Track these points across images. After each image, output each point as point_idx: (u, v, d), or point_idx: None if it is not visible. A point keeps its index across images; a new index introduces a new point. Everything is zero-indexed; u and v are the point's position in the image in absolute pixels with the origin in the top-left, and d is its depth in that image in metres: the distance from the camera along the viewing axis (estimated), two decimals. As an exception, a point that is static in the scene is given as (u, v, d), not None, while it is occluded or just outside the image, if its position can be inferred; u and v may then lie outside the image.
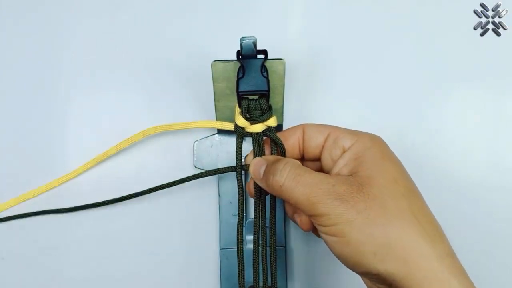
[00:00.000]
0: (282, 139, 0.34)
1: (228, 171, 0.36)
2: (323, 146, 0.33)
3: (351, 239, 0.27)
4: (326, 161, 0.33)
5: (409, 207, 0.28)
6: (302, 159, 0.35)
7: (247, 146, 0.36)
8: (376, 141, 0.31)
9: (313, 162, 0.35)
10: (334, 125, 0.33)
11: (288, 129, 0.35)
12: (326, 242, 0.29)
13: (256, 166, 0.33)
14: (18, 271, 0.40)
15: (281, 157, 0.33)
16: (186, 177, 0.37)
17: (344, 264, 0.29)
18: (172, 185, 0.37)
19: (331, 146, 0.32)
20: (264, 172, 0.32)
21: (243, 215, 0.35)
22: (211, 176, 0.40)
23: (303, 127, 0.34)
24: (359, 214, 0.27)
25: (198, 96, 0.41)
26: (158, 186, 0.37)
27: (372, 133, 0.32)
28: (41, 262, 0.40)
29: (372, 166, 0.29)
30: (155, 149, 0.41)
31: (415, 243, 0.27)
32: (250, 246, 0.38)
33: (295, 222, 0.34)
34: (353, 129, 0.33)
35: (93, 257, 0.40)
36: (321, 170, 0.34)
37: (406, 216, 0.28)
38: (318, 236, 0.32)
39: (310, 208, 0.29)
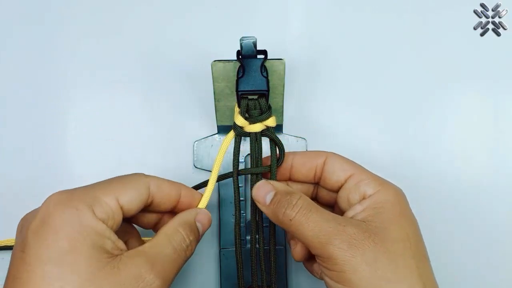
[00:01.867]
0: (301, 160, 0.33)
1: (226, 178, 0.35)
2: (342, 185, 0.32)
3: None
4: (343, 200, 0.32)
5: (417, 269, 0.28)
6: (316, 183, 0.35)
7: (247, 146, 0.36)
8: (398, 195, 0.31)
9: (327, 191, 0.34)
10: (358, 164, 0.32)
11: (310, 152, 0.34)
12: (328, 286, 0.29)
13: (262, 191, 0.32)
14: None
15: (292, 189, 0.32)
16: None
17: None
18: None
19: (351, 189, 0.31)
20: (272, 201, 0.31)
21: (239, 215, 0.35)
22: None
23: (326, 157, 0.33)
24: (368, 266, 0.27)
25: (198, 96, 0.41)
26: None
27: (396, 185, 0.31)
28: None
29: (388, 219, 0.29)
30: (155, 149, 0.41)
31: None
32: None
33: (290, 247, 0.34)
34: (377, 175, 0.32)
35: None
36: (334, 203, 0.33)
37: (414, 278, 0.27)
38: (311, 272, 0.32)
39: (318, 247, 0.28)
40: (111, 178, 0.30)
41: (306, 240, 0.29)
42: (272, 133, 0.34)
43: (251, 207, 0.35)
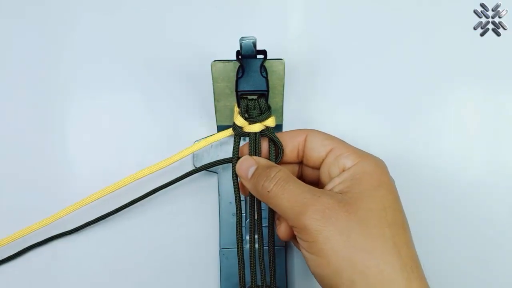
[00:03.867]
0: (281, 140, 0.34)
1: (224, 163, 0.36)
2: (323, 160, 0.32)
3: (331, 261, 0.27)
4: (324, 175, 0.32)
5: (392, 238, 0.27)
6: (300, 163, 0.35)
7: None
8: (377, 166, 0.31)
9: (312, 169, 0.34)
10: (338, 137, 0.33)
11: (290, 131, 0.34)
12: (305, 258, 0.29)
13: (245, 165, 0.32)
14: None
15: (273, 163, 0.33)
16: (184, 174, 0.37)
17: (320, 284, 0.29)
18: (171, 184, 0.37)
19: (331, 163, 0.31)
20: (253, 175, 0.31)
21: (241, 215, 0.35)
22: (211, 176, 0.40)
23: (307, 134, 0.33)
24: (340, 235, 0.27)
25: (198, 96, 0.41)
26: (156, 188, 0.38)
27: (376, 156, 0.31)
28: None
29: (365, 189, 0.29)
30: (155, 149, 0.41)
31: (393, 275, 0.26)
32: (250, 246, 0.38)
33: (275, 227, 0.34)
34: (356, 147, 0.32)
35: (93, 257, 0.40)
36: (318, 180, 0.34)
37: (388, 246, 0.27)
38: (298, 248, 0.32)
39: (293, 218, 0.29)
40: None
41: (283, 211, 0.29)
42: (272, 133, 0.34)
43: (250, 207, 0.35)
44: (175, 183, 0.37)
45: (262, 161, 0.33)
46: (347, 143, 0.32)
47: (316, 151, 0.32)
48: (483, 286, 0.40)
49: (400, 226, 0.29)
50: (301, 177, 0.36)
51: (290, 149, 0.34)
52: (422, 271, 0.28)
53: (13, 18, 0.42)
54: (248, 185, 0.32)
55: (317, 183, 0.34)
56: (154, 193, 0.38)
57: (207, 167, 0.37)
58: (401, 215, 0.30)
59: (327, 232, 0.27)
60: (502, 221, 0.40)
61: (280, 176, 0.30)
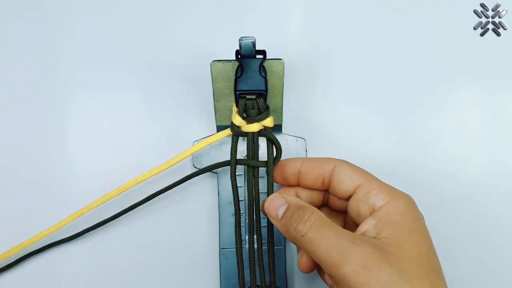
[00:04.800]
0: (309, 167, 0.33)
1: (223, 166, 0.35)
2: (351, 194, 0.31)
3: None
4: (353, 211, 0.31)
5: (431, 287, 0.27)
6: (326, 191, 0.34)
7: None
8: (408, 205, 0.30)
9: (338, 199, 0.33)
10: (366, 171, 0.32)
11: (318, 159, 0.33)
12: None
13: (274, 204, 0.31)
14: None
15: (305, 204, 0.31)
16: (184, 177, 0.37)
17: None
18: (172, 187, 0.37)
19: (360, 199, 0.30)
20: (284, 215, 0.30)
21: (239, 215, 0.35)
22: (211, 177, 0.40)
23: (335, 165, 0.32)
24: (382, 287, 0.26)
25: (197, 96, 0.41)
26: (157, 191, 0.37)
27: (405, 193, 0.31)
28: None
29: (401, 235, 0.28)
30: (155, 149, 0.41)
31: None
32: (249, 246, 0.38)
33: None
34: (385, 183, 0.31)
35: (94, 258, 0.40)
36: (344, 210, 0.33)
37: None
38: (323, 279, 0.31)
39: (331, 268, 0.27)
40: None
41: (319, 258, 0.28)
42: (270, 133, 0.34)
43: (248, 207, 0.35)
44: (175, 186, 0.37)
45: (294, 200, 0.31)
46: (376, 178, 0.31)
47: (344, 185, 0.31)
48: (483, 286, 0.40)
49: (436, 275, 0.28)
50: (326, 204, 0.35)
51: (316, 177, 0.33)
52: None
53: (13, 18, 0.42)
54: (279, 226, 0.31)
55: (344, 212, 0.33)
56: (154, 197, 0.38)
57: (205, 171, 0.36)
58: (436, 262, 0.29)
59: (369, 285, 0.26)
60: (502, 221, 0.40)
61: (314, 220, 0.29)
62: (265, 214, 0.32)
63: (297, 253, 0.33)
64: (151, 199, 0.38)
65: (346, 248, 0.27)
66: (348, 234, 0.28)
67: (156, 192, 0.38)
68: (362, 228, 0.29)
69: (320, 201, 0.35)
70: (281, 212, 0.30)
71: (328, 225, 0.29)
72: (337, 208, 0.34)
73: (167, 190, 0.38)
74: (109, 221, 0.39)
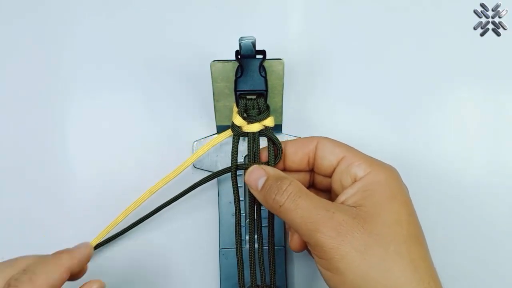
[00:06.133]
0: (292, 148, 0.33)
1: (224, 173, 0.36)
2: (335, 168, 0.32)
3: (347, 278, 0.27)
4: (336, 184, 0.32)
5: (409, 254, 0.27)
6: (311, 171, 0.34)
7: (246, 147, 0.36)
8: (390, 175, 0.30)
9: (324, 177, 0.33)
10: (349, 145, 0.32)
11: (301, 139, 0.34)
12: (320, 273, 0.29)
13: (254, 175, 0.31)
14: None
15: (284, 174, 0.31)
16: (188, 188, 0.37)
17: None
18: (177, 199, 0.37)
19: (343, 171, 0.31)
20: (264, 186, 0.31)
21: (240, 215, 0.35)
22: (211, 176, 0.40)
23: (317, 142, 0.32)
24: (356, 253, 0.27)
25: (198, 96, 0.41)
26: (164, 203, 0.37)
27: (389, 164, 0.31)
28: None
29: (379, 202, 0.28)
30: (155, 149, 0.41)
31: None
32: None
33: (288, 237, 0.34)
34: (368, 155, 0.31)
35: (94, 258, 0.40)
36: (330, 188, 0.33)
37: (404, 263, 0.27)
38: (312, 257, 0.32)
39: (307, 234, 0.28)
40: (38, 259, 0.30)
41: (296, 226, 0.29)
42: (270, 133, 0.34)
43: (248, 206, 0.35)
44: (181, 197, 0.37)
45: (272, 171, 0.31)
46: (359, 151, 0.31)
47: (327, 160, 0.32)
48: (483, 286, 0.40)
49: (416, 240, 0.28)
50: (312, 185, 0.35)
51: (300, 157, 0.33)
52: (440, 284, 0.28)
53: (13, 18, 0.42)
54: (259, 197, 0.31)
55: (329, 191, 0.34)
56: (162, 208, 0.38)
57: (207, 180, 0.36)
58: (416, 228, 0.29)
59: (343, 250, 0.27)
60: (502, 221, 0.40)
61: (292, 190, 0.29)
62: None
63: (289, 232, 0.34)
64: (159, 210, 0.38)
65: (321, 216, 0.28)
66: (324, 202, 0.29)
67: (163, 204, 0.38)
68: (342, 197, 0.30)
69: (306, 183, 0.35)
70: (260, 183, 0.31)
71: (305, 195, 0.29)
72: (322, 188, 0.34)
73: (174, 201, 0.37)
74: (120, 235, 0.39)
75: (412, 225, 0.29)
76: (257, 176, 0.31)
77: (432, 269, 0.28)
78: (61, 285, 0.29)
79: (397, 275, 0.26)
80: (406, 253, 0.27)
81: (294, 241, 0.32)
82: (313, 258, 0.29)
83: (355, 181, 0.30)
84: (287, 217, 0.29)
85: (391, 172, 0.30)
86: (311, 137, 0.33)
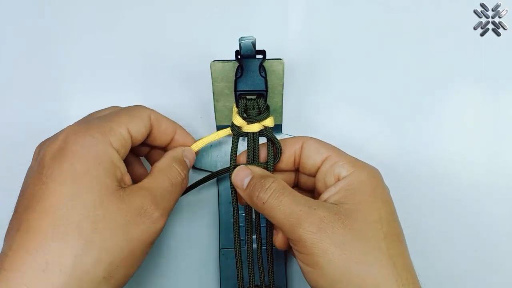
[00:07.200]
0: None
1: (224, 173, 0.36)
2: (319, 168, 0.32)
3: (327, 273, 0.27)
4: (320, 183, 0.32)
5: (388, 250, 0.28)
6: (297, 171, 0.35)
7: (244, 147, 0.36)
8: (372, 175, 0.31)
9: (308, 177, 0.34)
10: (334, 146, 0.33)
11: (287, 139, 0.34)
12: (301, 269, 0.29)
13: (240, 175, 0.32)
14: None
15: (268, 173, 0.32)
16: (188, 188, 0.37)
17: None
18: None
19: (327, 171, 0.32)
20: (249, 185, 0.31)
21: (238, 215, 0.35)
22: (210, 176, 0.40)
23: (303, 141, 0.33)
24: (336, 248, 0.27)
25: (197, 96, 0.41)
26: None
27: (371, 165, 0.32)
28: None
29: (360, 201, 0.29)
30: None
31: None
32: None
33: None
34: (353, 156, 0.32)
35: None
36: (314, 188, 0.34)
37: (383, 259, 0.27)
38: (295, 257, 0.32)
39: (288, 230, 0.29)
40: (119, 110, 0.32)
41: (278, 223, 0.29)
42: (270, 133, 0.34)
43: (246, 206, 0.35)
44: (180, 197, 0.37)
45: (257, 170, 0.32)
46: (343, 152, 0.32)
47: (311, 159, 0.32)
48: (483, 286, 0.40)
49: (395, 238, 0.29)
50: (297, 185, 0.36)
51: (287, 157, 0.34)
52: (417, 281, 0.29)
53: (13, 18, 0.42)
54: (244, 195, 0.32)
55: (313, 191, 0.34)
56: None
57: (207, 180, 0.37)
58: (396, 226, 0.30)
59: (323, 245, 0.27)
60: (502, 220, 0.40)
61: (275, 187, 0.30)
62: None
63: (274, 231, 0.34)
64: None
65: (303, 212, 0.28)
66: (307, 199, 0.29)
67: None
68: (324, 195, 0.30)
69: (291, 182, 0.35)
70: (246, 182, 0.31)
71: (287, 192, 0.30)
72: (307, 188, 0.35)
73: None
74: None
75: (392, 223, 0.29)
76: (242, 176, 0.32)
77: (410, 266, 0.29)
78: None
79: (376, 270, 0.27)
80: (386, 249, 0.28)
81: (278, 238, 0.32)
82: (294, 255, 0.30)
83: (338, 180, 0.31)
84: (270, 213, 0.29)
85: (374, 173, 0.31)
86: (298, 137, 0.34)
